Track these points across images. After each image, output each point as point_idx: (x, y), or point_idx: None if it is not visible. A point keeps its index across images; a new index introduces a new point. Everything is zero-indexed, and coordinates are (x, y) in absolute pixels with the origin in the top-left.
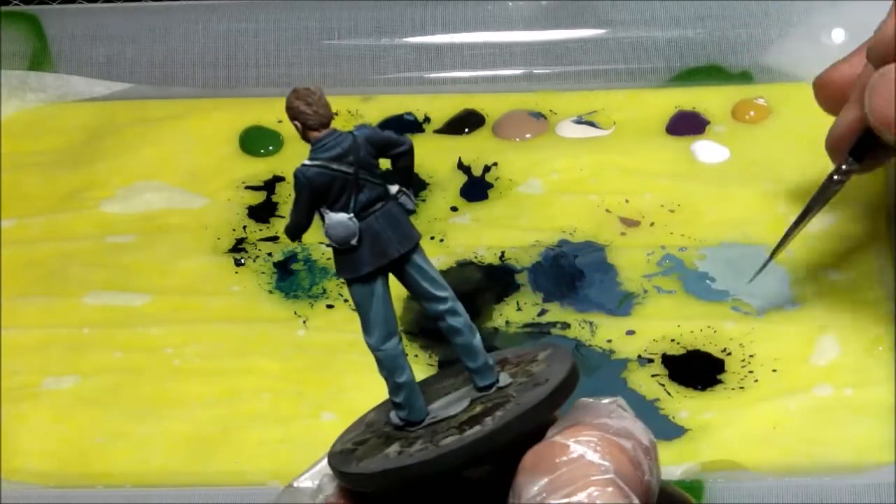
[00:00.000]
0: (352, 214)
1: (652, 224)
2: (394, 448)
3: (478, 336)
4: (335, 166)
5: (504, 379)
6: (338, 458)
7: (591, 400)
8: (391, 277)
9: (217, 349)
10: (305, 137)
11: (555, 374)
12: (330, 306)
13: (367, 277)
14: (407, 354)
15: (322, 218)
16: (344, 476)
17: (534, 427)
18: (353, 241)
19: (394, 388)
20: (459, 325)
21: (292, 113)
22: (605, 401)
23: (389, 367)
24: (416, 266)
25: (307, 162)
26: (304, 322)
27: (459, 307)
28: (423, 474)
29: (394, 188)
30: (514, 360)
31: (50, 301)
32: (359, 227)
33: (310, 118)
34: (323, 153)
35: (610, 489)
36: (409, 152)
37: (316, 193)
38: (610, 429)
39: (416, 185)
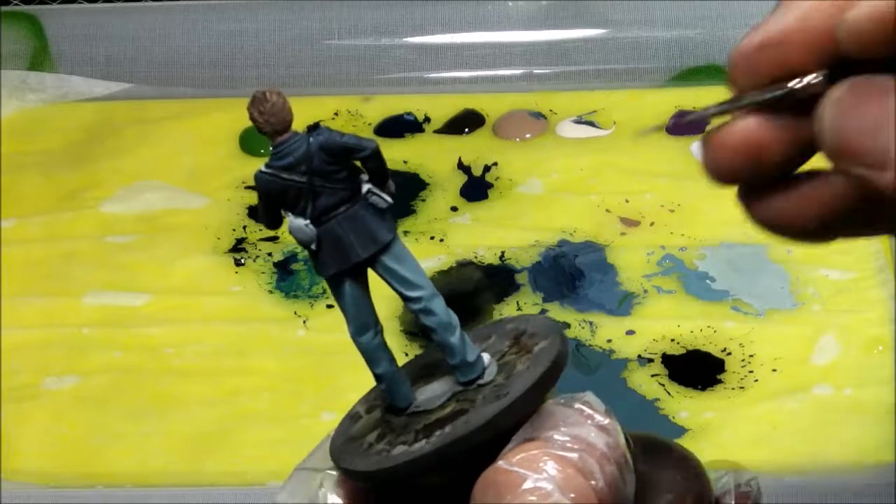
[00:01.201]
0: (308, 221)
1: (652, 224)
2: (371, 437)
3: (455, 335)
4: (286, 176)
5: (489, 373)
6: (336, 442)
7: (553, 403)
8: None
9: (217, 349)
10: (269, 137)
11: (519, 384)
12: (330, 306)
13: (334, 277)
14: (406, 356)
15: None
16: (337, 468)
17: (490, 437)
18: (312, 246)
19: (375, 377)
20: (433, 324)
21: (250, 117)
22: (578, 396)
23: (367, 358)
24: (385, 267)
25: (263, 168)
26: (304, 322)
27: (435, 305)
28: (379, 481)
29: (365, 187)
30: (514, 339)
31: (50, 301)
32: (316, 233)
33: (261, 126)
34: (276, 161)
35: None
36: (373, 156)
37: (272, 198)
38: (555, 444)
39: (416, 185)
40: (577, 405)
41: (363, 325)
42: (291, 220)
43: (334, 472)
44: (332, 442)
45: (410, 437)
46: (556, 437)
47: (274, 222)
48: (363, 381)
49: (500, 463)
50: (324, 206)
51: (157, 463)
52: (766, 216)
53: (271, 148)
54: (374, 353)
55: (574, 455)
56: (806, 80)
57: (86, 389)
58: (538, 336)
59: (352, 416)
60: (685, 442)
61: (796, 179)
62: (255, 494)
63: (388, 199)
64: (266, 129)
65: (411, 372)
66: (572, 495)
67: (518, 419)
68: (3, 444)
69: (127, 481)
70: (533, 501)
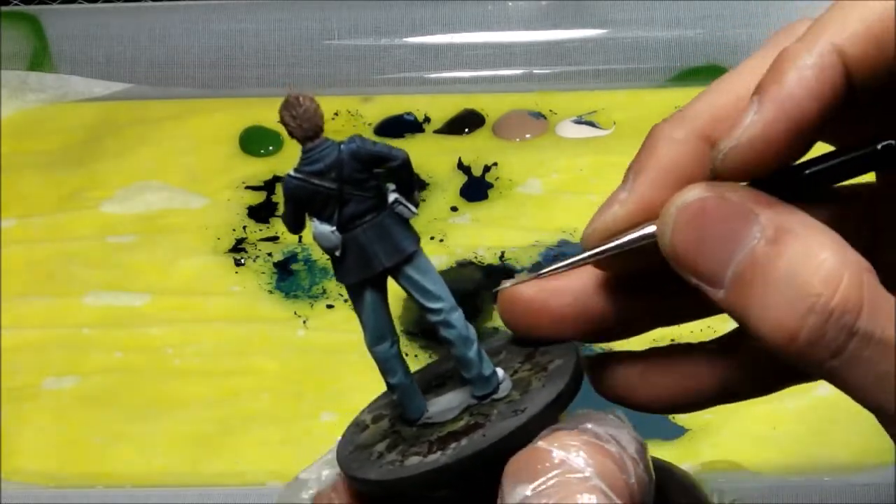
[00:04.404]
0: (334, 228)
1: None
2: (381, 447)
3: (472, 349)
4: (316, 181)
5: (503, 388)
6: (343, 451)
7: (585, 410)
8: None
9: (217, 349)
10: (299, 142)
11: (537, 401)
12: (330, 306)
13: (356, 285)
14: (406, 356)
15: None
16: (346, 476)
17: (507, 452)
18: (337, 253)
19: (388, 386)
20: (451, 337)
21: (281, 120)
22: (610, 410)
23: (381, 368)
24: (407, 277)
25: (292, 172)
26: (304, 322)
27: (454, 318)
28: (392, 490)
29: (392, 196)
30: (526, 356)
31: (50, 301)
32: (342, 240)
33: (293, 130)
34: (306, 166)
35: (594, 496)
36: (402, 167)
37: (299, 203)
38: (591, 433)
39: (417, 186)
40: (611, 416)
41: (380, 335)
42: (316, 226)
43: (324, 479)
44: (338, 450)
45: (424, 448)
46: (592, 427)
47: (298, 227)
48: (363, 381)
49: (539, 443)
50: (351, 214)
51: (157, 463)
52: (604, 389)
53: (302, 151)
54: (389, 364)
55: (612, 447)
56: (640, 232)
57: (86, 389)
58: (552, 354)
59: (357, 425)
60: (685, 442)
61: (642, 356)
62: (255, 494)
63: (414, 209)
64: (297, 134)
65: (424, 380)
66: (607, 482)
67: (534, 436)
68: (3, 444)
69: (127, 481)
70: (567, 482)
